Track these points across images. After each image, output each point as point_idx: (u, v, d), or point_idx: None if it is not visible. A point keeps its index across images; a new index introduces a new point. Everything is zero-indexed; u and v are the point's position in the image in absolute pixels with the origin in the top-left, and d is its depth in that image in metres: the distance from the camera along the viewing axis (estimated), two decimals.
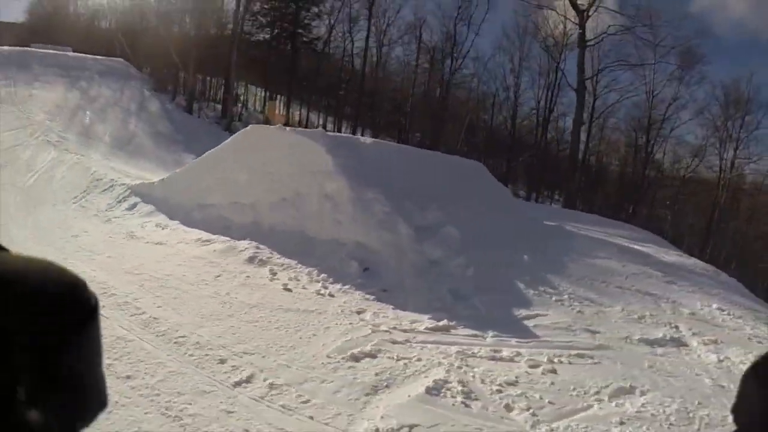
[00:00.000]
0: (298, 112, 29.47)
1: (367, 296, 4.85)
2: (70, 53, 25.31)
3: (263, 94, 29.81)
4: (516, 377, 3.70)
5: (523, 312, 4.84)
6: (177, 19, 25.93)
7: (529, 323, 4.66)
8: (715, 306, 6.37)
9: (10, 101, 16.18)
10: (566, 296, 5.56)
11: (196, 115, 23.51)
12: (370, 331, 4.11)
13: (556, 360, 4.08)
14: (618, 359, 4.36)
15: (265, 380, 3.31)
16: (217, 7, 27.14)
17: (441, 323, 4.34)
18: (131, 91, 21.84)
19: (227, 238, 6.34)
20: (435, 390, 3.31)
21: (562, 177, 26.19)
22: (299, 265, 5.53)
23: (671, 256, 9.96)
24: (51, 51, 24.76)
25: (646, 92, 26.70)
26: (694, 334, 5.33)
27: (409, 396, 3.25)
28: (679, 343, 5.09)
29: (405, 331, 4.19)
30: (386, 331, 4.15)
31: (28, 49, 24.93)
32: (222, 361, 3.55)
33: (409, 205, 6.16)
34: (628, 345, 4.76)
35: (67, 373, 0.50)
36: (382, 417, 3.00)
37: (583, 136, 26.76)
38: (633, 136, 28.71)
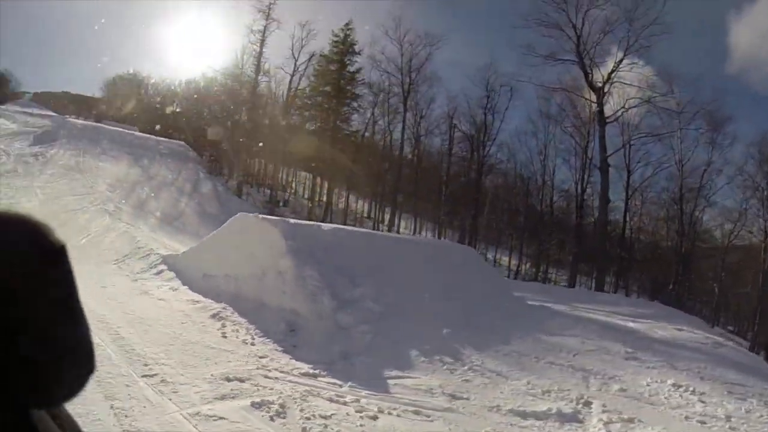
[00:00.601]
0: (343, 198, 33.28)
1: (278, 348, 6.73)
2: (137, 132, 30.67)
3: (311, 179, 33.86)
4: (333, 414, 5.03)
5: (395, 373, 6.30)
6: (233, 108, 31.02)
7: (393, 382, 6.06)
8: (670, 382, 7.12)
9: (78, 170, 20.36)
10: (466, 367, 6.77)
11: (244, 198, 27.20)
12: (255, 368, 5.96)
13: (386, 411, 5.24)
14: (457, 423, 5.29)
15: (162, 379, 5.33)
16: (266, 100, 32.41)
17: (314, 371, 6.04)
18: (188, 172, 25.95)
19: (210, 301, 8.56)
20: (258, 405, 4.96)
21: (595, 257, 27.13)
22: (246, 322, 7.57)
23: (668, 331, 10.82)
24: (119, 129, 30.15)
25: (676, 162, 27.58)
26: (604, 411, 5.98)
27: (238, 404, 4.97)
28: (569, 418, 5.69)
29: (282, 372, 5.96)
30: (268, 369, 5.97)
31: (99, 125, 30.67)
32: (145, 365, 5.60)
33: (341, 281, 8.20)
34: (488, 413, 5.64)
35: (33, 326, 0.52)
36: (208, 410, 4.80)
37: (617, 214, 29.18)
38: (671, 209, 29.16)
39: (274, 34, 32.25)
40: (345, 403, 5.33)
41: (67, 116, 34.75)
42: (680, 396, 6.76)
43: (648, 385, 7.01)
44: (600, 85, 27.03)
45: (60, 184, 19.34)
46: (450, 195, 32.88)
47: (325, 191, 32.71)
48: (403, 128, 33.69)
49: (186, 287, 9.46)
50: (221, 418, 4.66)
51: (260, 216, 10.22)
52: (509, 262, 33.59)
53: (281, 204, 28.97)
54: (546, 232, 31.49)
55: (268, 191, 30.57)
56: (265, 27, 31.39)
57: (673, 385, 7.00)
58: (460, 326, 8.08)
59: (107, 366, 5.33)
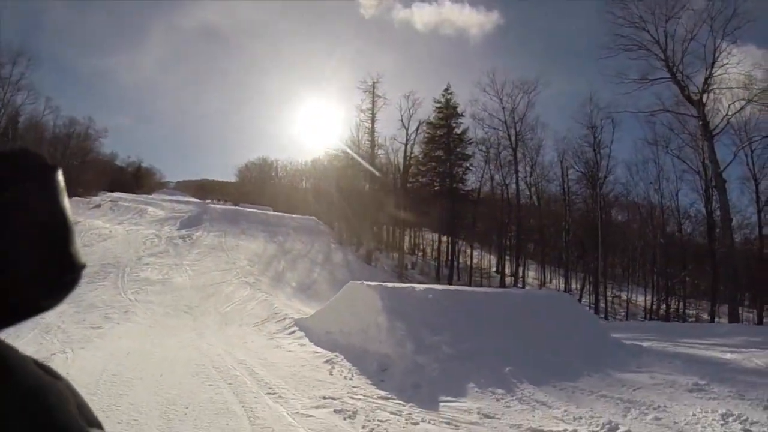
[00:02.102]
0: (469, 252, 36.83)
1: (368, 381, 9.88)
2: (271, 212, 37.95)
3: (437, 239, 37.85)
4: (387, 419, 7.94)
5: (448, 398, 8.94)
6: (356, 182, 36.72)
7: (443, 404, 8.72)
8: (721, 412, 8.28)
9: (221, 248, 26.49)
10: (514, 397, 9.16)
11: (373, 266, 31.76)
12: (346, 392, 9.16)
13: (427, 421, 7.84)
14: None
15: (279, 395, 8.92)
16: (386, 170, 37.93)
17: (388, 395, 8.99)
18: (319, 244, 31.36)
19: (327, 351, 12.12)
20: (339, 411, 8.15)
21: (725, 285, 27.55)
22: (350, 365, 10.89)
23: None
24: (255, 210, 37.40)
25: None
26: None
27: (325, 411, 8.18)
28: None
29: (365, 395, 9.03)
30: (355, 394, 9.14)
31: (237, 207, 38.44)
32: (269, 388, 9.14)
33: (423, 330, 11.40)
34: (508, 428, 7.90)
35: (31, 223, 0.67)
36: (304, 411, 8.26)
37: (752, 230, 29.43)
38: None
39: (383, 109, 38.70)
40: (400, 414, 8.24)
41: (208, 201, 43.68)
42: (722, 425, 8.06)
43: (694, 415, 8.45)
44: (696, 96, 27.79)
45: (206, 262, 25.27)
46: (573, 238, 34.74)
47: (453, 251, 36.58)
48: (517, 179, 37.93)
49: (311, 343, 13.04)
50: (311, 416, 7.99)
51: (364, 283, 13.76)
52: (645, 300, 33.92)
53: (409, 268, 33.36)
54: (678, 264, 31.99)
55: (396, 256, 35.01)
56: (372, 104, 38.17)
57: (723, 415, 8.31)
58: (526, 365, 10.51)
59: (243, 387, 9.08)
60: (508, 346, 11.64)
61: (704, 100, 28.13)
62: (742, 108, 27.78)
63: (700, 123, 28.36)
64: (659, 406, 8.83)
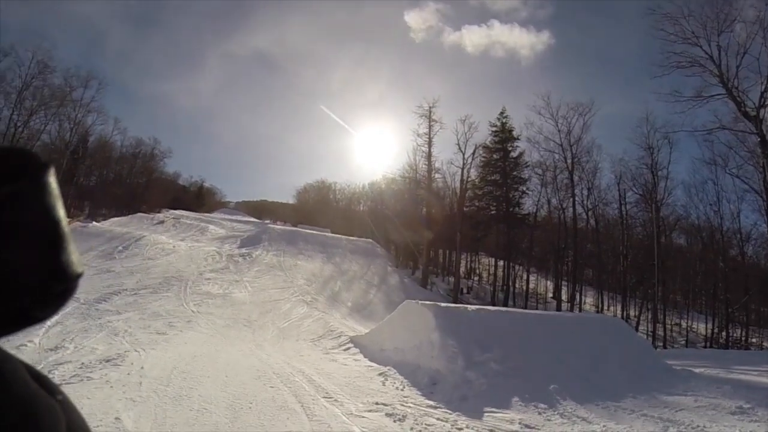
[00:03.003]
0: (525, 277, 37.13)
1: (419, 393, 10.64)
2: (328, 234, 39.56)
3: (494, 263, 38.38)
4: (434, 424, 8.73)
5: (492, 409, 9.64)
6: (413, 205, 37.82)
7: (487, 414, 9.44)
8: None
9: (279, 268, 27.89)
10: (556, 412, 9.82)
11: (429, 288, 32.51)
12: (397, 400, 9.96)
13: (471, 427, 8.64)
14: None
15: (335, 399, 9.78)
16: (443, 194, 39.06)
17: (437, 405, 9.74)
18: (376, 267, 32.44)
19: (381, 366, 12.92)
20: (390, 414, 8.97)
21: None
22: (402, 378, 11.65)
23: None
24: (313, 231, 39.13)
25: None
26: None
27: (377, 414, 9.04)
28: None
29: (415, 403, 9.79)
30: (405, 402, 9.92)
31: (296, 228, 40.44)
32: (326, 392, 10.03)
33: (474, 348, 12.08)
34: None
35: (20, 226, 0.65)
36: (358, 413, 9.13)
37: None
38: None
39: (440, 133, 39.90)
40: (446, 421, 8.99)
41: (267, 221, 45.76)
42: None
43: None
44: (754, 112, 27.29)
45: (264, 279, 26.56)
46: (632, 263, 34.54)
47: (509, 275, 37.09)
48: (574, 202, 38.07)
49: (366, 358, 13.85)
50: (364, 417, 8.84)
51: (419, 302, 14.59)
52: (705, 328, 33.30)
53: (465, 292, 33.98)
54: (740, 290, 31.35)
55: (452, 280, 35.69)
56: (429, 128, 39.36)
57: None
58: (571, 384, 11.07)
59: (302, 390, 10.00)
60: (555, 366, 12.22)
61: (761, 115, 27.82)
62: None
63: (759, 140, 28.10)
64: (698, 426, 9.26)
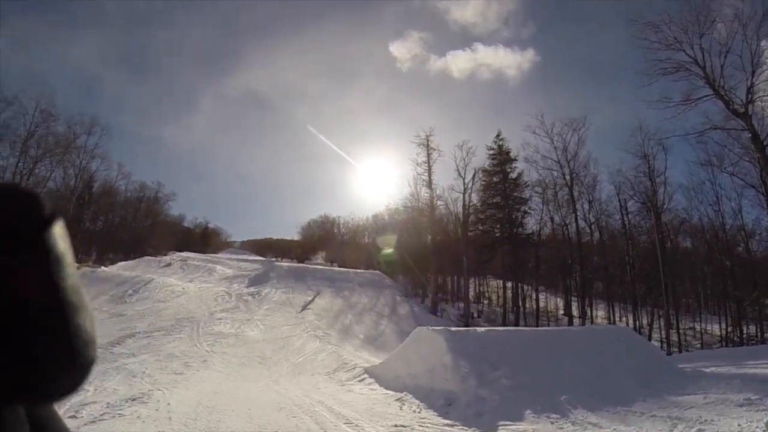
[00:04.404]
0: (535, 296, 37.80)
1: (435, 414, 11.18)
2: (336, 268, 39.87)
3: (502, 285, 39.04)
4: None
5: (506, 423, 10.15)
6: (418, 234, 38.67)
7: (501, 427, 9.97)
8: (766, 420, 9.02)
9: (289, 304, 28.70)
10: (568, 421, 10.33)
11: (439, 316, 33.06)
12: (415, 422, 10.52)
13: None
14: None
15: (356, 425, 10.35)
16: (446, 221, 39.93)
17: (453, 423, 10.29)
18: (385, 298, 33.10)
19: (396, 392, 13.55)
20: (400, 426, 9.82)
21: None
22: (418, 402, 12.16)
23: None
24: (320, 267, 39.69)
25: None
26: None
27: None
28: None
29: (432, 423, 10.31)
30: (423, 423, 10.44)
31: (302, 264, 41.26)
32: (346, 419, 10.65)
33: (485, 367, 12.68)
34: None
35: (12, 302, 0.53)
36: (375, 430, 9.77)
37: None
38: None
39: (439, 160, 40.91)
40: None
41: (274, 259, 46.73)
42: None
43: (738, 425, 9.25)
44: (742, 109, 28.06)
45: (275, 317, 27.19)
46: (640, 271, 35.09)
47: (518, 296, 37.73)
48: (576, 217, 38.91)
49: (382, 387, 14.36)
50: None
51: (430, 328, 15.24)
52: (719, 328, 33.58)
53: (475, 316, 34.57)
54: (748, 286, 31.73)
55: (462, 305, 36.27)
56: (428, 156, 40.32)
57: (767, 423, 9.06)
58: (581, 394, 11.62)
59: (323, 418, 10.59)
60: (565, 378, 12.83)
61: (750, 111, 28.53)
62: None
63: (750, 135, 28.83)
64: (706, 420, 9.77)
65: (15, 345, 0.52)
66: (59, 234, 0.56)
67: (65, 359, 0.57)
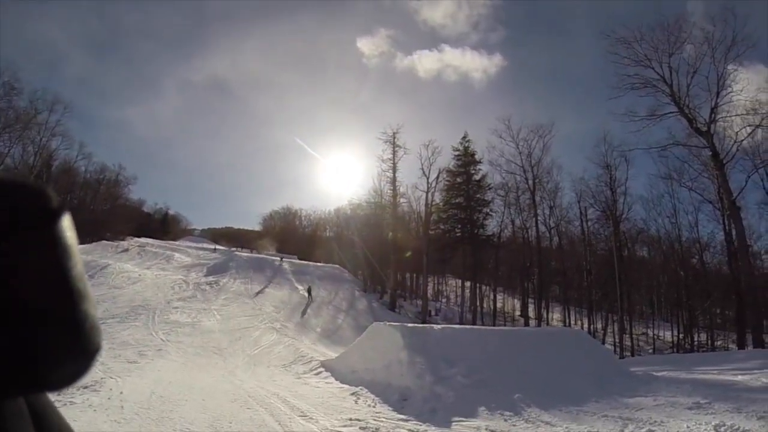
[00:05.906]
0: (492, 297, 38.51)
1: (390, 408, 11.29)
2: (296, 260, 39.67)
3: (461, 285, 39.67)
4: None
5: (460, 419, 10.32)
6: (379, 230, 39.00)
7: (455, 424, 10.10)
8: (714, 423, 9.28)
9: (247, 295, 28.73)
10: (521, 418, 10.53)
11: (397, 312, 33.31)
12: (370, 416, 10.60)
13: None
14: None
15: (311, 417, 10.41)
16: (408, 218, 40.37)
17: (408, 418, 10.43)
18: (344, 292, 33.29)
19: (352, 386, 13.57)
20: (364, 428, 9.68)
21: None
22: (373, 396, 12.30)
23: None
24: (279, 258, 39.83)
25: None
26: None
27: (352, 428, 9.72)
28: None
29: (386, 418, 10.44)
30: (378, 417, 10.57)
31: (262, 256, 40.84)
32: (301, 411, 10.68)
33: (441, 364, 12.86)
34: None
35: (21, 292, 0.55)
36: (333, 428, 9.85)
37: None
38: None
39: (404, 158, 41.33)
40: (417, 431, 9.87)
41: (233, 249, 46.45)
42: None
43: (688, 428, 9.56)
44: (705, 128, 29.27)
45: (233, 307, 27.07)
46: (596, 277, 36.05)
47: (476, 296, 38.28)
48: (536, 222, 39.93)
49: (338, 381, 14.47)
50: (339, 431, 9.60)
51: (387, 323, 15.38)
52: (671, 335, 34.74)
53: (433, 314, 34.91)
54: (702, 296, 33.04)
55: (420, 303, 36.63)
56: (393, 154, 40.60)
57: (715, 426, 9.32)
58: (536, 393, 11.87)
59: (278, 411, 10.61)
60: (520, 377, 13.09)
61: (712, 130, 29.67)
62: (751, 133, 29.37)
63: (710, 153, 29.94)
64: (656, 422, 10.07)
65: (24, 334, 0.55)
66: (67, 226, 0.61)
67: (74, 346, 0.60)
